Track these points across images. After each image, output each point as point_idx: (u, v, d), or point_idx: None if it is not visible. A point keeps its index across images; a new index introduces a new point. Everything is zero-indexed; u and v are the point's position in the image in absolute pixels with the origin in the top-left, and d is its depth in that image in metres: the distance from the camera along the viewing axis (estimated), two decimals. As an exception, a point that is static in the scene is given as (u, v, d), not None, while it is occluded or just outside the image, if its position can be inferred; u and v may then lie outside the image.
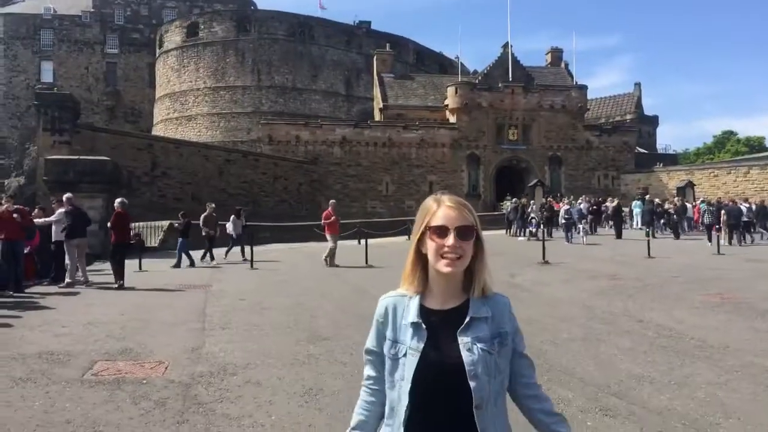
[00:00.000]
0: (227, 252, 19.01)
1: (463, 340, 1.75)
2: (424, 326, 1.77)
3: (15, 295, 11.00)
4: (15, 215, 11.72)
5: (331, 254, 16.31)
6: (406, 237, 25.42)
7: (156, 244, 22.62)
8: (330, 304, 10.42)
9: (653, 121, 76.40)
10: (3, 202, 11.89)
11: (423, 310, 1.80)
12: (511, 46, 49.49)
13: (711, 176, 42.01)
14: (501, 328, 1.81)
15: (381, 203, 42.47)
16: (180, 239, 17.94)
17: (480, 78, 49.25)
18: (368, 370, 1.90)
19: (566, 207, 25.02)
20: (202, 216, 18.77)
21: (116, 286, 12.39)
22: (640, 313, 9.34)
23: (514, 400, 1.89)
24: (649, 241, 18.32)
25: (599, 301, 10.53)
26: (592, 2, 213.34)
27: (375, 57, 52.24)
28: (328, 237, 16.83)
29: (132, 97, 70.85)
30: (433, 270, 1.80)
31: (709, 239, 21.72)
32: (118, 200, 13.50)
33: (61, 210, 12.79)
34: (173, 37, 60.28)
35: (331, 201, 18.42)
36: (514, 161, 45.42)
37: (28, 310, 9.49)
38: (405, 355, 1.77)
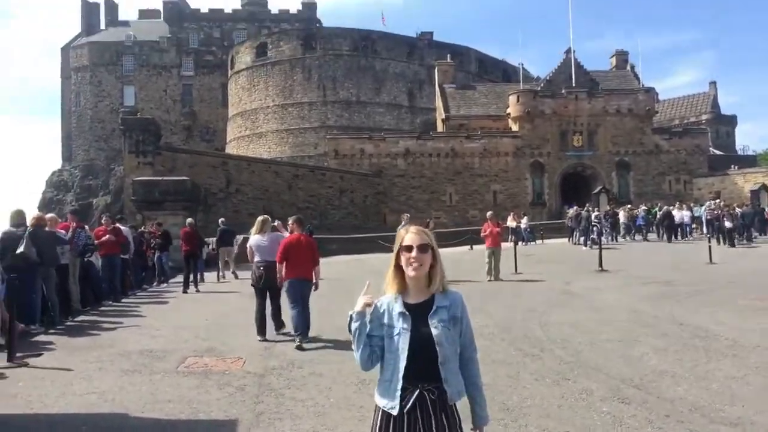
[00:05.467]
0: None
1: (432, 322, 2.69)
2: (408, 314, 2.71)
3: (114, 304, 12.52)
4: (110, 235, 13.20)
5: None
6: (469, 247, 26.06)
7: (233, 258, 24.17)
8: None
9: (731, 120, 73.47)
10: (102, 221, 13.48)
11: (406, 305, 2.75)
12: (574, 51, 49.34)
13: (790, 178, 40.29)
14: (455, 314, 2.76)
15: (445, 213, 42.99)
16: (157, 254, 16.79)
17: (542, 85, 49.26)
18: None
19: (596, 213, 26.08)
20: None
21: (184, 291, 14.54)
22: (683, 316, 9.76)
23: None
24: (710, 246, 18.29)
25: (646, 305, 10.96)
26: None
27: (436, 68, 53.16)
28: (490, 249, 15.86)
29: (207, 116, 74.65)
30: (407, 275, 2.75)
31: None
32: (189, 220, 16.56)
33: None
34: (244, 57, 63.27)
35: (489, 213, 17.94)
36: (580, 168, 45.08)
37: (127, 317, 10.90)
38: (399, 334, 2.70)
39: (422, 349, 2.64)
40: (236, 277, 17.44)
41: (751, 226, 25.52)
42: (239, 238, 22.44)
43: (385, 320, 2.74)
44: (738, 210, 25.19)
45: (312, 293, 8.74)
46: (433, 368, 2.65)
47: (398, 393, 2.64)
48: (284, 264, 8.34)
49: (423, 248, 2.72)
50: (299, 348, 7.89)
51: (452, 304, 2.75)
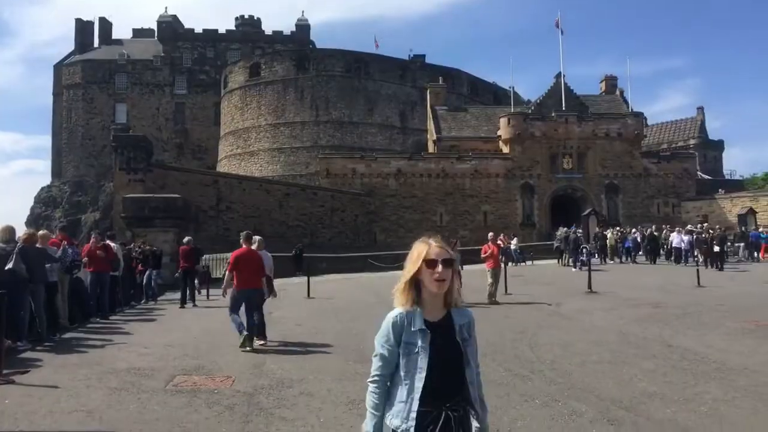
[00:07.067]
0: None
1: (458, 338, 2.65)
2: (428, 331, 2.62)
3: (102, 321, 12.41)
4: (99, 252, 13.15)
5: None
6: (460, 267, 26.07)
7: (222, 275, 24.05)
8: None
9: (718, 145, 74.42)
10: (92, 239, 13.41)
11: (425, 322, 2.65)
12: (564, 75, 49.79)
13: (776, 202, 40.79)
14: (471, 328, 2.74)
15: (436, 234, 42.99)
16: (148, 271, 16.86)
17: (533, 108, 49.72)
18: (381, 370, 2.68)
19: (579, 234, 26.15)
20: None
21: (181, 306, 15.03)
22: (672, 338, 9.81)
23: None
24: (698, 270, 18.43)
25: (636, 327, 11.00)
26: (654, 24, 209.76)
27: (428, 90, 53.63)
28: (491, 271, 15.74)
29: (199, 134, 74.67)
30: (427, 291, 2.64)
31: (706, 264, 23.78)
32: (187, 238, 16.72)
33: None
34: (237, 77, 63.57)
35: (490, 234, 17.41)
36: (570, 190, 45.40)
37: (115, 334, 10.81)
38: (418, 352, 2.59)
39: (442, 367, 2.58)
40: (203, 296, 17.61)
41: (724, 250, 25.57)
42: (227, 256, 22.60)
43: (403, 336, 2.62)
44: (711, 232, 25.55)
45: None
46: (453, 386, 2.60)
47: (413, 414, 2.52)
48: (234, 274, 9.36)
49: (447, 263, 2.62)
50: (250, 348, 8.95)
51: (468, 321, 2.73)
